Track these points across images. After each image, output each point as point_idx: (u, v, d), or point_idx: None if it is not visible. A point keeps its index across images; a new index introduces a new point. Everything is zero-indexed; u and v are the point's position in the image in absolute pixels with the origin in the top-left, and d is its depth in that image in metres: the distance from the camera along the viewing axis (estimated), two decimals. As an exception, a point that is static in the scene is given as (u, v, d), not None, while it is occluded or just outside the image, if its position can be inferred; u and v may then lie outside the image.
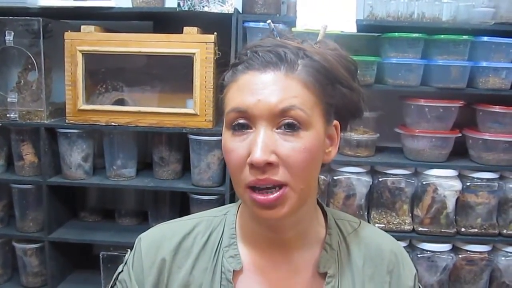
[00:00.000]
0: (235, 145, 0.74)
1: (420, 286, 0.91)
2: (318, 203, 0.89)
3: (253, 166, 0.71)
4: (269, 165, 0.71)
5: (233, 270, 0.81)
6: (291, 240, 0.83)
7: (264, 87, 0.72)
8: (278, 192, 0.72)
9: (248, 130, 0.73)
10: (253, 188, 0.73)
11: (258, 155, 0.70)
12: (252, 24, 1.78)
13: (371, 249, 0.87)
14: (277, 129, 0.72)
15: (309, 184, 0.76)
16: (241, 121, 0.73)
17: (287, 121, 0.72)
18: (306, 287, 0.82)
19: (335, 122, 0.80)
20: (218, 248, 0.84)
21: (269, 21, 0.86)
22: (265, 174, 0.71)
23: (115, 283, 0.87)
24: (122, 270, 0.87)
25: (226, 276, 0.81)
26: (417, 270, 0.92)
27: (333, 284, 0.81)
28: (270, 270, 0.83)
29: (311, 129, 0.73)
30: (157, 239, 0.86)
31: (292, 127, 0.72)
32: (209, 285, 0.81)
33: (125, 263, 0.88)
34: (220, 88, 0.82)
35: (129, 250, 0.89)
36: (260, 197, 0.72)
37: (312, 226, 0.86)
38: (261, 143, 0.71)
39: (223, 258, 0.82)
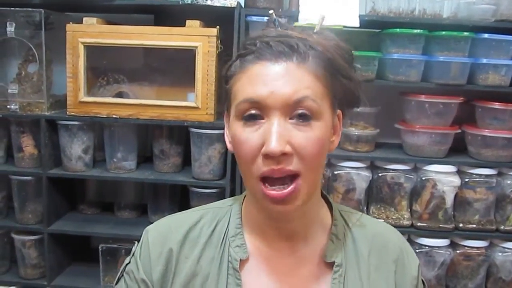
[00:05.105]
0: (247, 135, 0.74)
1: (423, 278, 0.92)
2: (322, 195, 0.90)
3: (267, 156, 0.71)
4: (283, 155, 0.71)
5: (240, 260, 0.81)
6: (297, 230, 0.83)
7: (277, 78, 0.72)
8: (291, 186, 0.73)
9: (261, 120, 0.73)
10: (265, 180, 0.73)
11: (274, 145, 0.70)
12: (254, 18, 1.78)
13: (376, 239, 0.88)
14: (290, 119, 0.73)
15: (318, 174, 0.78)
16: (253, 112, 0.73)
17: (300, 112, 0.72)
18: (312, 276, 0.83)
19: (338, 111, 0.82)
20: (225, 238, 0.84)
21: (271, 11, 0.86)
22: (280, 165, 0.71)
23: (122, 275, 0.88)
24: (129, 262, 0.88)
25: (233, 265, 0.81)
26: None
27: (340, 273, 0.82)
28: (276, 259, 0.83)
29: (322, 119, 0.75)
30: (164, 230, 0.87)
31: (305, 118, 0.73)
32: (216, 275, 0.82)
33: (133, 255, 0.88)
34: (225, 79, 0.82)
35: (136, 242, 0.90)
36: (273, 192, 0.73)
37: (318, 216, 0.86)
38: (276, 133, 0.71)
39: (229, 248, 0.83)
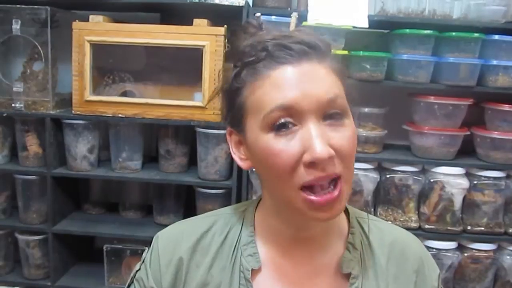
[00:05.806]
0: (282, 146, 0.69)
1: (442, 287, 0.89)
2: None
3: (312, 164, 0.68)
4: (329, 159, 0.68)
5: (252, 269, 0.79)
6: (315, 237, 0.80)
7: (304, 80, 0.70)
8: (336, 190, 0.69)
9: (293, 128, 0.70)
10: (306, 188, 0.70)
11: (321, 150, 0.66)
12: (263, 17, 1.76)
13: (395, 247, 0.85)
14: (323, 121, 0.70)
15: (353, 173, 0.75)
16: (285, 119, 0.69)
17: (333, 111, 0.70)
18: (328, 287, 0.80)
19: None
20: (236, 247, 0.81)
21: (258, 14, 0.85)
22: (325, 170, 0.68)
23: (132, 281, 0.86)
24: (139, 269, 0.86)
25: (244, 275, 0.78)
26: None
27: (357, 285, 0.79)
28: (290, 269, 0.80)
29: (350, 116, 0.73)
30: (175, 237, 0.84)
31: (339, 117, 0.71)
32: (228, 284, 0.79)
33: (143, 261, 0.86)
34: (231, 91, 0.77)
35: (147, 248, 0.87)
36: (318, 198, 0.69)
37: (335, 221, 0.83)
38: (319, 137, 0.68)
39: (241, 257, 0.80)
